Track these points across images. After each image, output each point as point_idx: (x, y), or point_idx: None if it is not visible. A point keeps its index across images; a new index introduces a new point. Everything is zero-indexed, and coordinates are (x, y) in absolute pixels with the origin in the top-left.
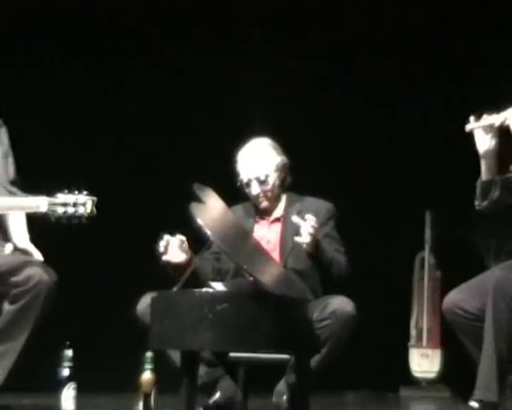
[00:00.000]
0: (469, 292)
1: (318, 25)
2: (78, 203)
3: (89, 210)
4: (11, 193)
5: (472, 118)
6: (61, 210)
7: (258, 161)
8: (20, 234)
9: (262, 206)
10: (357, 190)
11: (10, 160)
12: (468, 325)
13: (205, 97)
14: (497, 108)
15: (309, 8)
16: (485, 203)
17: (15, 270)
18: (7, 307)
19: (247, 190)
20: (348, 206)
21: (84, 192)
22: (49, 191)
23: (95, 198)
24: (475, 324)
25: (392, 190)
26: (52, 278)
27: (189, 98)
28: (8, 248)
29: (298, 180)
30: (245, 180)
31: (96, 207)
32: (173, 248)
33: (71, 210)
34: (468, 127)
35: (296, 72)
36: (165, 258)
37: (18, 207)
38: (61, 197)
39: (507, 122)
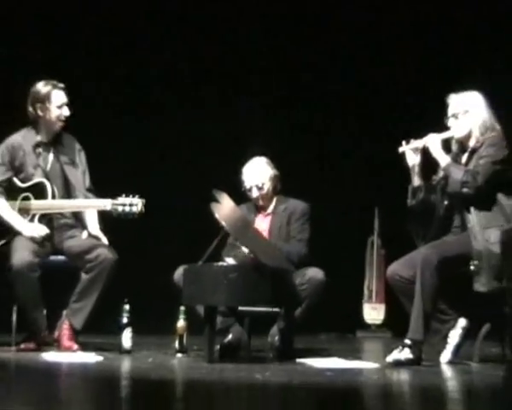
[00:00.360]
0: (404, 264)
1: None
2: (133, 204)
3: (139, 209)
4: (87, 197)
5: (404, 142)
6: (120, 209)
7: (257, 173)
8: (93, 224)
9: (259, 205)
10: (328, 192)
11: (87, 175)
12: (403, 287)
13: (222, 132)
14: (421, 132)
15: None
16: (414, 202)
17: (89, 250)
18: (83, 276)
19: (248, 194)
20: (322, 204)
21: (137, 196)
22: (113, 195)
23: (144, 200)
24: (409, 286)
25: (351, 192)
26: (114, 256)
27: (209, 131)
28: (85, 234)
29: (285, 185)
30: (247, 187)
31: (145, 207)
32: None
33: (127, 209)
34: (400, 149)
35: (285, 111)
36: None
37: (91, 206)
38: (121, 199)
39: (427, 145)
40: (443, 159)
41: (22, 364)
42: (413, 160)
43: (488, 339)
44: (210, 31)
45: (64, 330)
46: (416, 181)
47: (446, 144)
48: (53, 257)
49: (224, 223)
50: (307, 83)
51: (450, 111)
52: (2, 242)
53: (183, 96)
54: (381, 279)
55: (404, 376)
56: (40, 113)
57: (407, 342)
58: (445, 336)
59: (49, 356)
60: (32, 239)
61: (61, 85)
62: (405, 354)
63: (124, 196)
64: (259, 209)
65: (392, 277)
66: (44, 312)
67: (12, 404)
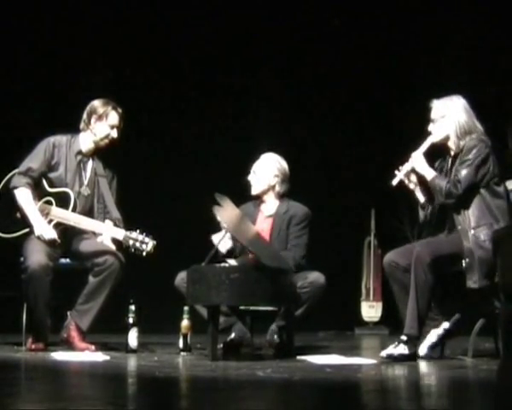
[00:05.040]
0: (400, 253)
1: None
2: (144, 242)
3: (148, 249)
4: (117, 219)
5: (396, 172)
6: (131, 242)
7: (260, 161)
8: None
9: (254, 194)
10: (326, 194)
11: (114, 197)
12: (398, 274)
13: (225, 137)
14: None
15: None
16: (423, 218)
17: (97, 254)
18: (91, 279)
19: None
20: (320, 206)
21: (150, 236)
22: (130, 228)
23: (155, 242)
24: (404, 274)
25: (349, 194)
26: (122, 261)
27: (213, 136)
28: (100, 239)
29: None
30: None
31: (154, 249)
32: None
33: (137, 244)
34: (394, 182)
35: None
36: (220, 249)
37: (105, 231)
38: (134, 234)
39: (412, 165)
40: (428, 173)
41: (32, 363)
42: (410, 182)
43: (482, 334)
44: (217, 32)
45: (72, 331)
46: (421, 198)
47: (436, 149)
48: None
49: (225, 225)
50: (308, 88)
51: (431, 116)
52: (17, 234)
53: (187, 97)
54: (377, 278)
55: (399, 371)
56: (93, 125)
57: (403, 338)
58: (427, 332)
59: (59, 356)
60: (39, 239)
61: (120, 110)
62: (400, 349)
63: (138, 231)
64: (262, 209)
65: (388, 263)
66: (49, 321)
67: (22, 402)
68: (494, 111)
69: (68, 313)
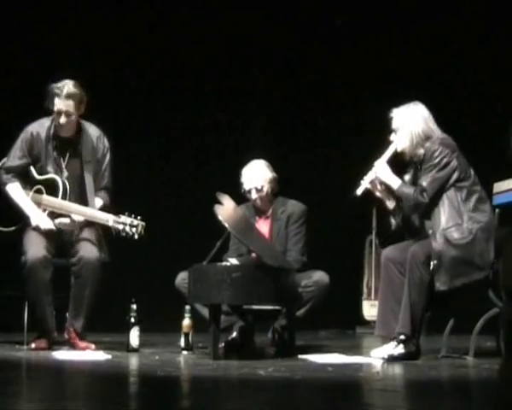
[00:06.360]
0: (396, 248)
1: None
2: (133, 225)
3: (139, 231)
4: (98, 196)
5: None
6: (120, 227)
7: (256, 175)
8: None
9: (258, 206)
10: (328, 193)
11: (107, 173)
12: (391, 271)
13: (223, 135)
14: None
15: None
16: (395, 224)
17: (73, 253)
18: (72, 280)
19: (248, 195)
20: (322, 205)
21: (139, 218)
22: (118, 212)
23: (144, 223)
24: (399, 269)
25: (350, 193)
26: (97, 254)
27: (211, 135)
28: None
29: (285, 187)
30: (247, 189)
31: (144, 231)
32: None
33: (127, 228)
34: (358, 192)
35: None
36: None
37: (93, 218)
38: (123, 218)
39: (376, 174)
40: (394, 182)
41: (34, 363)
42: (377, 190)
43: (484, 333)
44: (210, 35)
45: (71, 333)
46: (390, 205)
47: (399, 158)
48: (60, 259)
49: (226, 224)
50: (306, 86)
51: (392, 126)
52: (13, 228)
53: (184, 98)
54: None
55: (400, 370)
56: (51, 107)
57: (401, 337)
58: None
59: (60, 355)
60: (37, 229)
61: (65, 93)
62: (399, 349)
63: (126, 214)
64: (259, 212)
65: (386, 257)
66: (53, 312)
67: (24, 402)
68: (495, 110)
69: (67, 314)
